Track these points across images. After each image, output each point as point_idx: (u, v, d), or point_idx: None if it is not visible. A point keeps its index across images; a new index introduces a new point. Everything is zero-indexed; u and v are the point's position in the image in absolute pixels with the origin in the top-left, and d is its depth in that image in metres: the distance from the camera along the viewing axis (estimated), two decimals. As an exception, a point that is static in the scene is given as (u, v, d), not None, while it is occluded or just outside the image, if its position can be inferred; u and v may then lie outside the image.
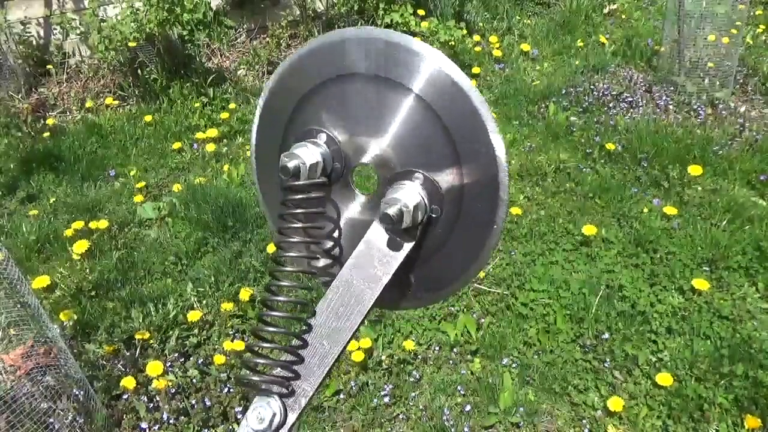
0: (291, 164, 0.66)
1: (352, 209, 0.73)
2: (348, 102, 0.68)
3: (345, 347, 0.67)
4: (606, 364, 2.29)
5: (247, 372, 0.69)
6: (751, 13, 5.17)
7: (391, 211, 0.62)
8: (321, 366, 0.67)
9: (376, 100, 0.66)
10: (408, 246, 0.67)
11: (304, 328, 0.68)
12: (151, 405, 2.16)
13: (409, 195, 0.64)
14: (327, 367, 0.66)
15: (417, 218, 0.64)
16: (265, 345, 0.68)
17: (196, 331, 2.45)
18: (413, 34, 4.85)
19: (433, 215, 0.66)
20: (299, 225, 0.69)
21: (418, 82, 0.63)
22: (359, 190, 0.72)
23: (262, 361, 0.69)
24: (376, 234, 0.68)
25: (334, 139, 0.70)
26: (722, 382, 2.16)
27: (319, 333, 0.68)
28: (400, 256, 0.67)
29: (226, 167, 3.59)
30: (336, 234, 0.74)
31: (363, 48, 0.65)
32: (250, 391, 0.67)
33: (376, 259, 0.67)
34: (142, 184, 3.45)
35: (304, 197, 0.68)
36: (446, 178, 0.64)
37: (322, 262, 0.75)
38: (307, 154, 0.68)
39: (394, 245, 0.67)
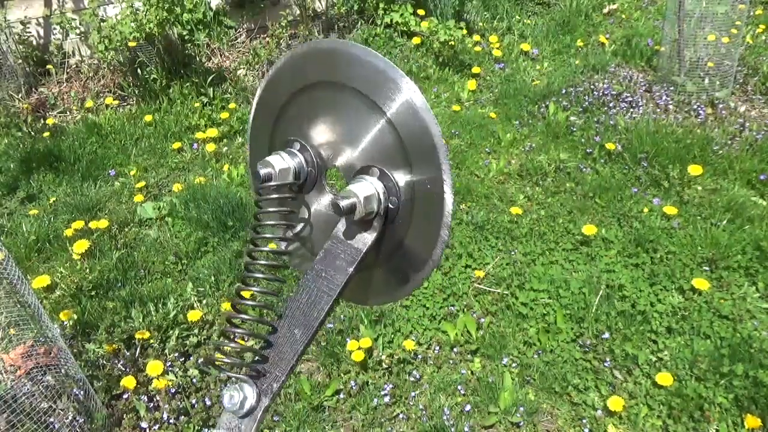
0: (263, 171, 0.74)
1: (326, 208, 0.79)
2: (326, 110, 0.74)
3: (314, 335, 0.72)
4: (606, 364, 2.29)
5: (218, 354, 0.75)
6: (751, 13, 5.17)
7: (342, 202, 0.68)
8: (292, 353, 0.72)
9: (355, 116, 0.72)
10: (370, 238, 0.72)
11: (275, 317, 0.75)
12: (152, 405, 2.16)
13: (363, 188, 0.69)
14: (297, 353, 0.72)
15: (372, 208, 0.70)
16: (239, 331, 0.74)
17: (196, 330, 2.45)
18: (413, 33, 4.87)
19: (391, 206, 0.71)
20: (271, 223, 0.76)
21: (392, 109, 0.68)
22: (331, 190, 0.79)
23: (233, 346, 0.75)
24: (344, 229, 0.73)
25: (307, 147, 0.77)
26: (722, 381, 2.16)
27: (291, 322, 0.74)
28: (364, 247, 0.72)
29: (226, 167, 3.59)
30: (308, 230, 0.81)
31: (351, 64, 0.70)
32: (221, 372, 0.72)
33: (342, 252, 0.73)
34: (142, 183, 3.46)
35: (274, 198, 0.75)
36: (401, 176, 0.70)
37: (296, 259, 0.84)
38: (279, 161, 0.75)
39: (359, 239, 0.72)
